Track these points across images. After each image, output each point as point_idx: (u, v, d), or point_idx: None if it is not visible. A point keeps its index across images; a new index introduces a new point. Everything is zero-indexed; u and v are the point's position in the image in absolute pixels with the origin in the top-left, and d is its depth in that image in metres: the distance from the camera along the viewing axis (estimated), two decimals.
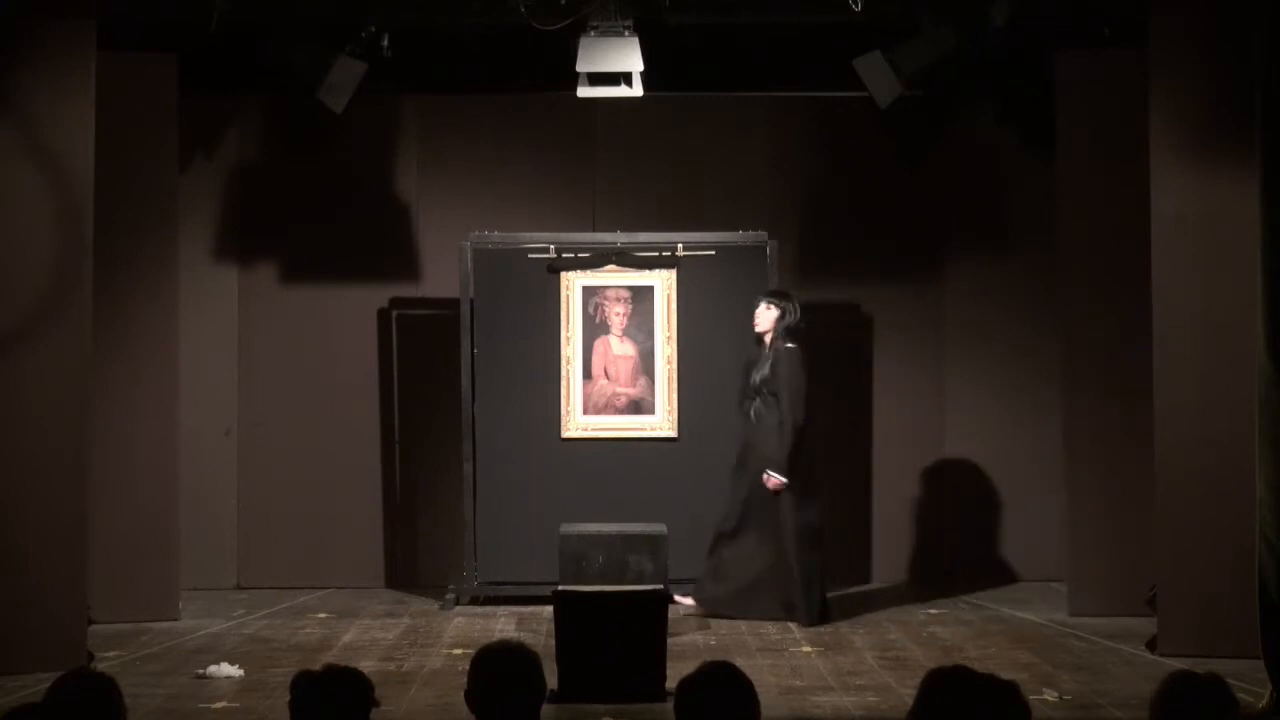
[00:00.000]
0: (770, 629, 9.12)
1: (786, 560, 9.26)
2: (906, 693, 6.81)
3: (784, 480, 9.25)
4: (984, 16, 9.10)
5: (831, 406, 10.98)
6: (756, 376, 9.44)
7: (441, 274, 10.70)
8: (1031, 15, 9.17)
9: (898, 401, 11.06)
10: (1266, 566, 7.15)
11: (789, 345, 9.41)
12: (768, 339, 9.48)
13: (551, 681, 6.92)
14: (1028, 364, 10.89)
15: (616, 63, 9.18)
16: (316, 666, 4.01)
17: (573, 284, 10.17)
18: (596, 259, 10.19)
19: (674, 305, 10.10)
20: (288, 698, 3.91)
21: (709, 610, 9.39)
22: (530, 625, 9.18)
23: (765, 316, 9.48)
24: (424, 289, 10.97)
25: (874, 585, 10.74)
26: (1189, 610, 8.21)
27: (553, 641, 7.58)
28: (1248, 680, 7.04)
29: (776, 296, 9.55)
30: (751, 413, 9.45)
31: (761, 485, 9.30)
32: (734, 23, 9.76)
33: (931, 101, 10.85)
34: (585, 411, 10.14)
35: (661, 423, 10.10)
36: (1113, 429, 9.40)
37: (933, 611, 9.72)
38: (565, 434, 10.12)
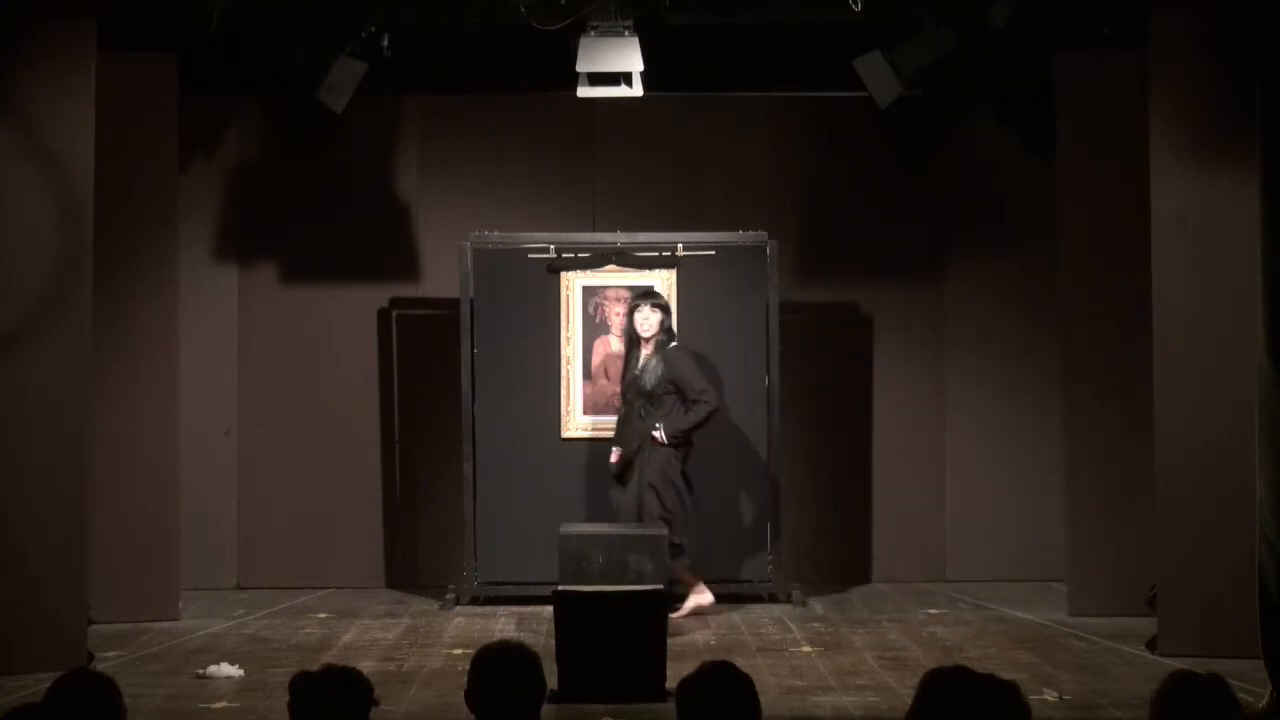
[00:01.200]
0: (770, 629, 9.13)
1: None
2: (906, 693, 6.80)
3: (667, 441, 9.34)
4: (984, 16, 9.10)
5: (832, 406, 11.01)
6: (650, 380, 9.43)
7: (441, 274, 10.70)
8: (1031, 15, 9.16)
9: (898, 401, 11.06)
10: (1266, 566, 7.15)
11: (675, 344, 9.53)
12: (652, 343, 9.48)
13: (551, 681, 6.91)
14: (1028, 364, 10.89)
15: (616, 63, 9.17)
16: (316, 667, 4.01)
17: (573, 284, 10.17)
18: (596, 259, 10.19)
19: (674, 305, 10.08)
20: (287, 698, 3.90)
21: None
22: (530, 625, 9.18)
23: (651, 320, 9.50)
24: (424, 289, 10.97)
25: (874, 585, 10.75)
26: (1189, 610, 8.21)
27: (553, 641, 7.58)
28: (1248, 680, 7.03)
29: (657, 298, 9.64)
30: (640, 413, 9.45)
31: (650, 464, 9.31)
32: (734, 23, 9.75)
33: (931, 101, 10.84)
34: (585, 411, 10.14)
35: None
36: (1113, 429, 9.40)
37: (933, 611, 9.72)
38: (565, 434, 10.13)
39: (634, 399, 9.51)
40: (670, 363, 9.45)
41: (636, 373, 9.51)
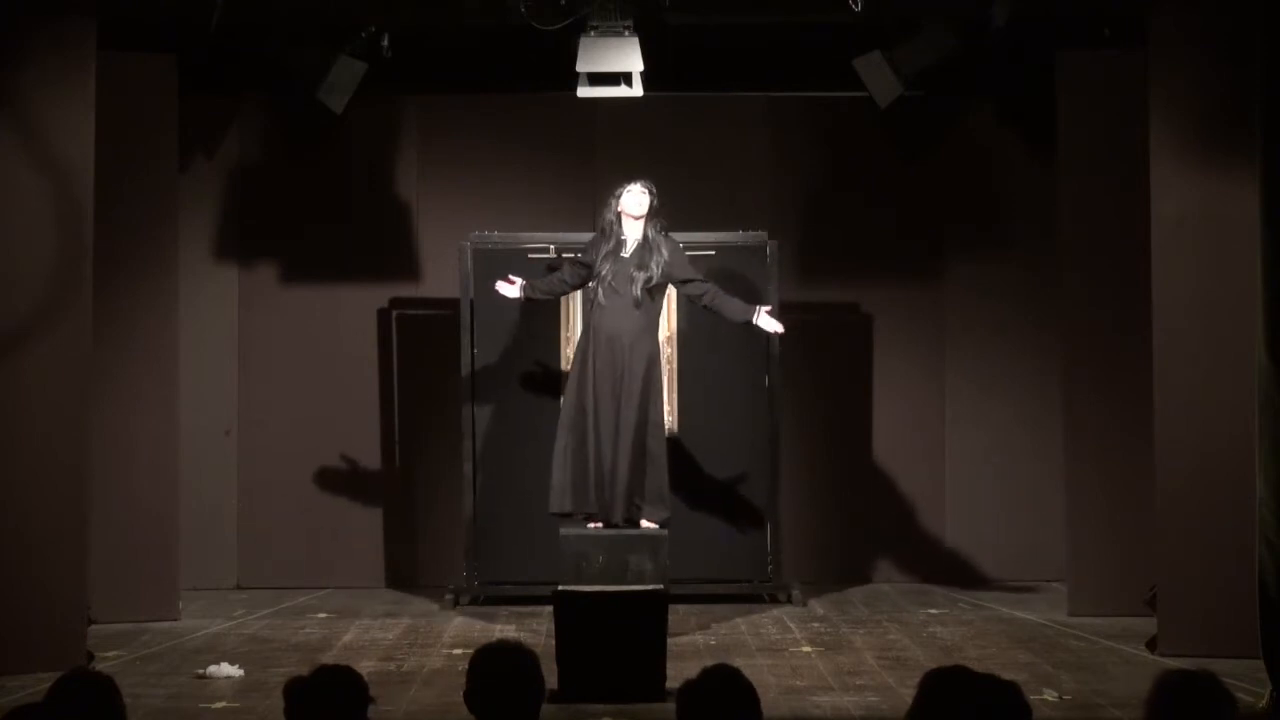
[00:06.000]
0: (770, 629, 9.13)
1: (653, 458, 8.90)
2: (906, 693, 6.79)
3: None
4: (984, 16, 9.11)
5: (832, 406, 11.01)
6: (659, 266, 8.76)
7: (441, 274, 10.70)
8: (1031, 15, 9.17)
9: (898, 401, 11.06)
10: (1266, 566, 7.15)
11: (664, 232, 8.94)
12: (642, 225, 8.84)
13: (551, 681, 6.91)
14: (1028, 364, 10.89)
15: (616, 63, 9.17)
16: (312, 668, 4.00)
17: None
18: None
19: (674, 305, 10.08)
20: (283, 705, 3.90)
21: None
22: (530, 625, 9.18)
23: (643, 201, 8.85)
24: (424, 289, 10.97)
25: (874, 585, 10.74)
26: (1189, 610, 8.21)
27: (553, 641, 7.59)
28: (1248, 680, 7.03)
29: (647, 182, 8.90)
30: (636, 302, 8.77)
31: (652, 379, 8.80)
32: (734, 23, 9.76)
33: (931, 101, 10.84)
34: None
35: None
36: (1113, 429, 9.40)
37: (933, 611, 9.72)
38: None
39: (623, 285, 8.74)
40: (672, 247, 8.87)
41: (626, 256, 8.77)
